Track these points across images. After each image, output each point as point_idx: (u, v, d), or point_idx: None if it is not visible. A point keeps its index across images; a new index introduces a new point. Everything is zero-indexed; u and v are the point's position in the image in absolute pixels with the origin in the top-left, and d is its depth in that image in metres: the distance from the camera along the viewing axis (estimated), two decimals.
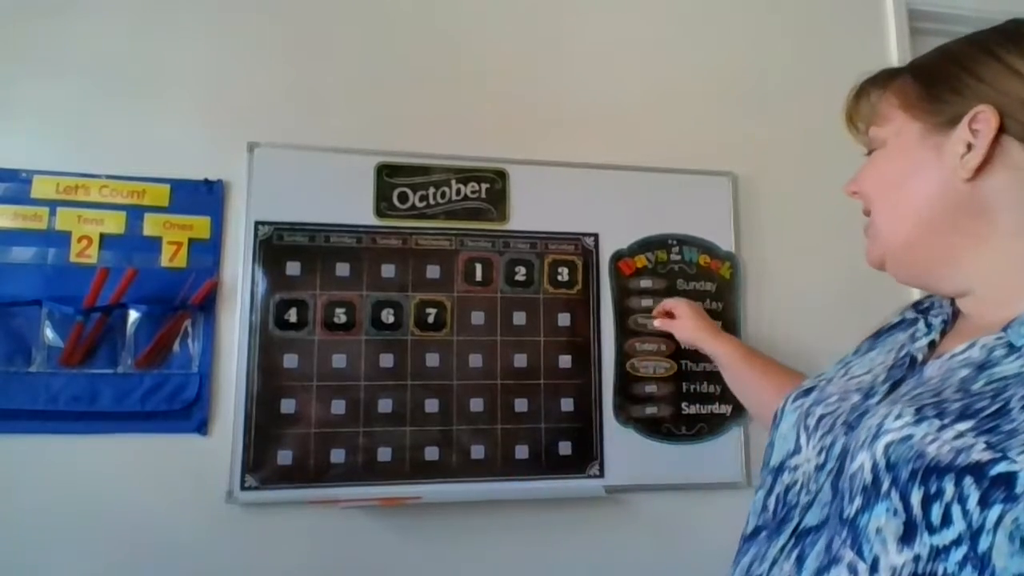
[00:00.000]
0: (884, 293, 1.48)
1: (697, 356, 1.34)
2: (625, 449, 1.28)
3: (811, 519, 0.58)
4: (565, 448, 1.26)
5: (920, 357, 0.62)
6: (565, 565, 1.25)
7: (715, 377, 1.34)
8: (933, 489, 0.46)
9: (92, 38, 1.24)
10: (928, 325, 0.66)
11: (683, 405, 1.32)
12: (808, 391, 0.69)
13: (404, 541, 1.21)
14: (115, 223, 1.19)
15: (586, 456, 1.27)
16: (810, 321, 1.41)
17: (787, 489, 0.63)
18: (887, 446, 0.50)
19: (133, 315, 1.16)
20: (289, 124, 1.27)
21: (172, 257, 1.20)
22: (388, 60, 1.34)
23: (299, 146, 1.26)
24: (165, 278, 1.18)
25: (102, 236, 1.18)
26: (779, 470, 0.66)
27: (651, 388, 1.31)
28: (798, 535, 0.58)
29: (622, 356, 1.31)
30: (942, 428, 0.48)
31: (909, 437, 0.49)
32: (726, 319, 1.37)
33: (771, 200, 1.44)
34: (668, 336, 1.33)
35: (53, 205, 1.17)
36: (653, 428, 1.30)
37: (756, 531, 0.66)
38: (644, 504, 1.30)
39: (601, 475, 1.27)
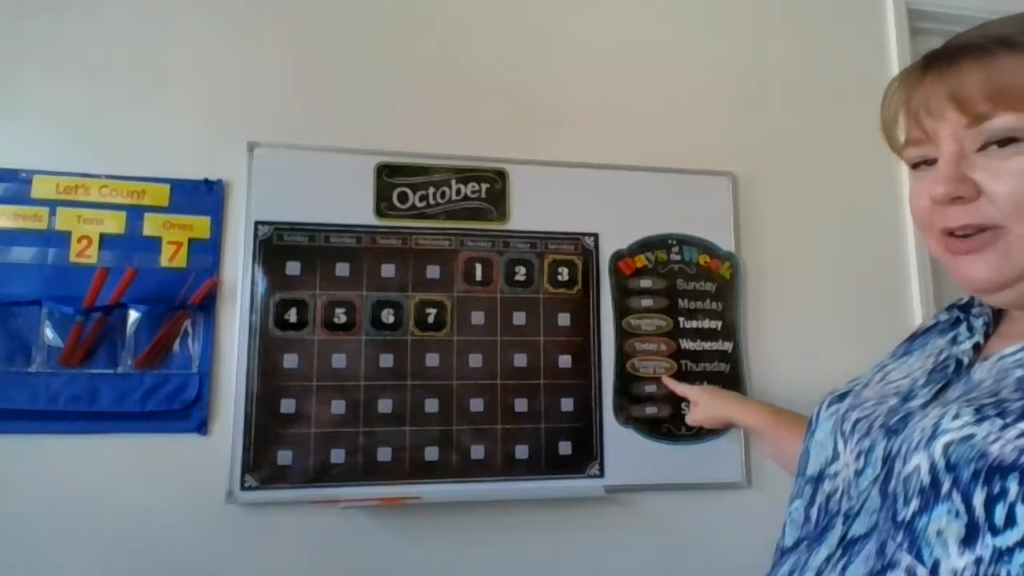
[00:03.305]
0: (883, 292, 1.48)
1: (697, 356, 1.34)
2: (625, 449, 1.28)
3: (859, 528, 0.56)
4: (565, 448, 1.26)
5: (966, 360, 0.61)
6: (565, 565, 1.25)
7: (715, 377, 1.34)
8: (996, 489, 0.45)
9: (92, 38, 1.24)
10: (970, 327, 0.64)
11: (683, 405, 1.32)
12: (843, 396, 0.68)
13: (404, 541, 1.21)
14: (115, 223, 1.19)
15: (586, 456, 1.27)
16: (810, 321, 1.41)
17: (828, 498, 0.62)
18: (946, 446, 0.49)
19: (133, 315, 1.16)
20: (289, 124, 1.27)
21: (172, 257, 1.20)
22: (388, 60, 1.34)
23: (299, 146, 1.26)
24: (165, 278, 1.18)
25: (102, 236, 1.18)
26: (819, 479, 0.64)
27: (651, 388, 1.31)
28: (845, 545, 0.56)
29: (622, 356, 1.31)
30: (1005, 427, 0.47)
31: (970, 437, 0.48)
32: (726, 319, 1.37)
33: (771, 200, 1.44)
34: (668, 336, 1.33)
35: (53, 205, 1.17)
36: (653, 428, 1.30)
37: (797, 543, 0.63)
38: (644, 504, 1.30)
39: (601, 475, 1.27)
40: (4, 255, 1.15)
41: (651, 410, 1.31)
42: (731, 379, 1.35)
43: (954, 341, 0.64)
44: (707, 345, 1.35)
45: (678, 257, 1.37)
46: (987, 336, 0.63)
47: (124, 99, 1.24)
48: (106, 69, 1.24)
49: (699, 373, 1.34)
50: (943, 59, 0.56)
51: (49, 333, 1.13)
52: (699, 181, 1.40)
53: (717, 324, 1.36)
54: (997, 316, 0.65)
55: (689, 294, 1.36)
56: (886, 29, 1.56)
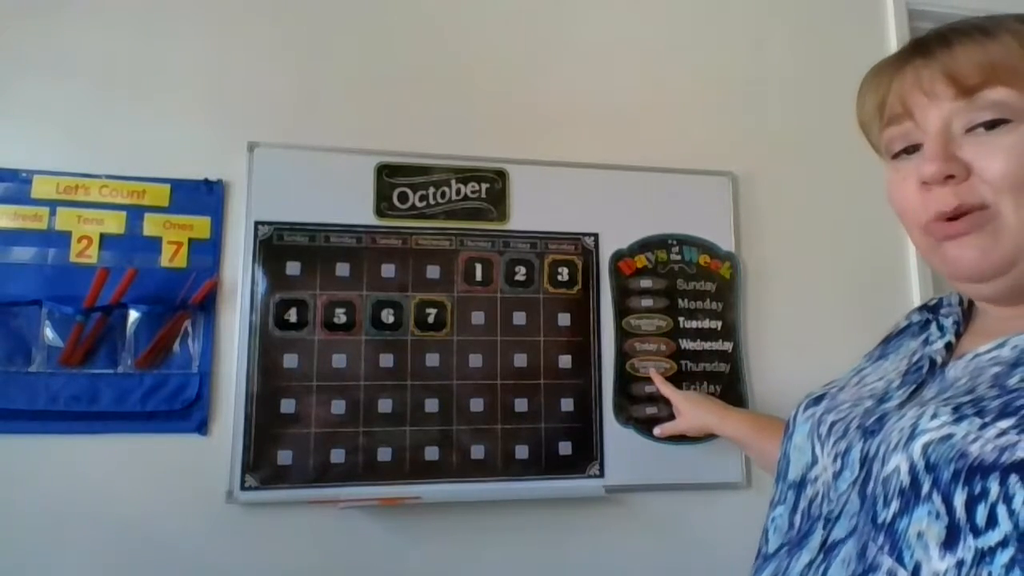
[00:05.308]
0: (884, 292, 1.48)
1: (697, 356, 1.34)
2: (625, 449, 1.28)
3: (839, 531, 0.55)
4: (565, 448, 1.26)
5: (939, 360, 0.60)
6: (565, 565, 1.25)
7: (715, 377, 1.34)
8: (977, 489, 0.44)
9: (92, 38, 1.24)
10: (941, 327, 0.63)
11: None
12: (819, 399, 0.67)
13: (404, 541, 1.21)
14: (115, 223, 1.19)
15: (586, 456, 1.27)
16: (810, 321, 1.41)
17: (810, 503, 0.61)
18: (925, 446, 0.48)
19: (133, 315, 1.16)
20: (289, 124, 1.27)
21: (172, 257, 1.20)
22: (388, 60, 1.34)
23: (299, 146, 1.26)
24: (165, 278, 1.18)
25: (102, 236, 1.18)
26: (801, 484, 0.63)
27: (651, 388, 1.30)
28: (826, 550, 0.55)
29: (622, 356, 1.31)
30: (984, 426, 0.46)
31: (949, 436, 0.47)
32: (726, 319, 1.37)
33: (771, 200, 1.44)
34: (668, 336, 1.33)
35: (53, 205, 1.17)
36: (653, 428, 1.30)
37: (779, 549, 0.63)
38: (644, 504, 1.30)
39: (601, 475, 1.27)
40: (4, 255, 1.15)
41: (651, 410, 1.31)
42: (731, 379, 1.35)
43: (926, 342, 0.64)
44: (707, 345, 1.35)
45: (678, 257, 1.37)
46: (959, 335, 0.62)
47: (124, 99, 1.24)
48: (106, 69, 1.24)
49: (699, 373, 1.34)
50: (935, 41, 0.55)
51: (49, 333, 1.13)
52: (699, 181, 1.40)
53: (717, 324, 1.36)
54: (967, 315, 0.64)
55: (689, 294, 1.36)
56: (886, 29, 1.56)
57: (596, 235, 1.34)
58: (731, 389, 1.34)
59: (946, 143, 0.53)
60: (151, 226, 1.20)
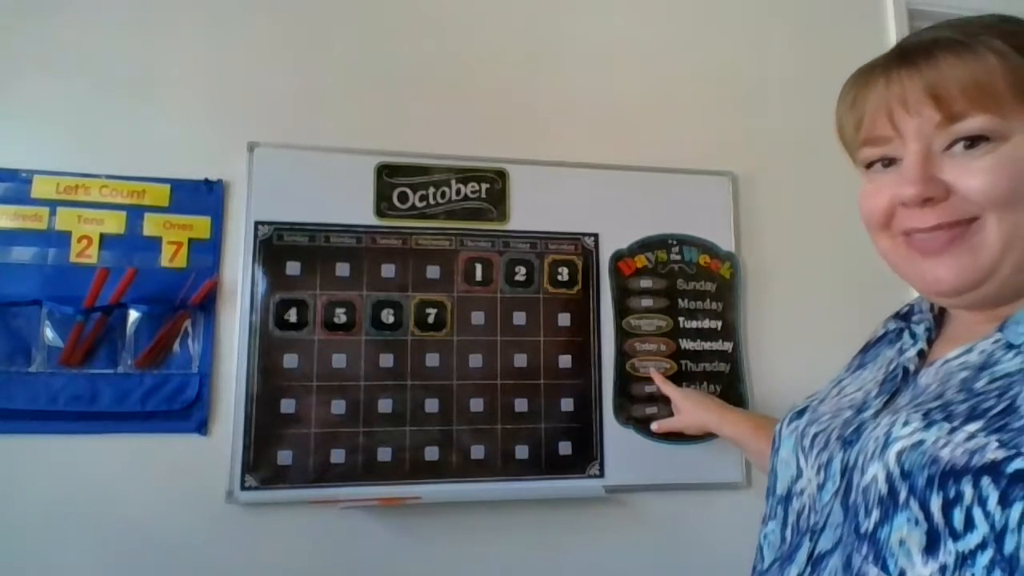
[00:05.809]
0: (884, 292, 1.47)
1: (697, 356, 1.34)
2: (625, 449, 1.28)
3: (825, 543, 0.56)
4: (565, 448, 1.26)
5: (912, 367, 0.61)
6: (565, 565, 1.25)
7: (715, 377, 1.34)
8: (952, 494, 0.45)
9: (92, 38, 1.24)
10: (913, 335, 0.64)
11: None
12: (801, 412, 0.68)
13: (404, 541, 1.21)
14: (115, 223, 1.19)
15: (586, 456, 1.27)
16: (810, 321, 1.41)
17: (798, 516, 0.62)
18: (899, 454, 0.49)
19: (133, 315, 1.16)
20: (289, 124, 1.27)
21: (172, 257, 1.20)
22: (388, 60, 1.34)
23: (299, 146, 1.26)
24: (165, 278, 1.18)
25: (102, 236, 1.18)
26: (787, 498, 0.64)
27: (651, 388, 1.31)
28: (813, 562, 0.56)
29: (622, 356, 1.31)
30: (953, 431, 0.47)
31: (920, 443, 0.48)
32: (726, 319, 1.37)
33: (771, 200, 1.44)
34: (668, 336, 1.33)
35: (53, 205, 1.17)
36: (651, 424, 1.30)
37: (772, 564, 0.64)
38: (644, 504, 1.30)
39: (601, 475, 1.27)
40: (4, 255, 1.15)
41: (651, 410, 1.31)
42: (731, 379, 1.35)
43: (901, 351, 0.64)
44: (707, 345, 1.35)
45: (678, 257, 1.37)
46: (931, 342, 0.63)
47: (124, 99, 1.23)
48: (106, 69, 1.24)
49: (699, 373, 1.34)
50: (919, 53, 0.55)
51: (49, 333, 1.13)
52: (699, 181, 1.40)
53: (717, 324, 1.36)
54: (939, 321, 0.65)
55: (689, 294, 1.36)
56: (886, 29, 1.56)
57: (596, 235, 1.34)
58: (731, 389, 1.34)
59: (926, 165, 0.53)
60: (151, 226, 1.20)
